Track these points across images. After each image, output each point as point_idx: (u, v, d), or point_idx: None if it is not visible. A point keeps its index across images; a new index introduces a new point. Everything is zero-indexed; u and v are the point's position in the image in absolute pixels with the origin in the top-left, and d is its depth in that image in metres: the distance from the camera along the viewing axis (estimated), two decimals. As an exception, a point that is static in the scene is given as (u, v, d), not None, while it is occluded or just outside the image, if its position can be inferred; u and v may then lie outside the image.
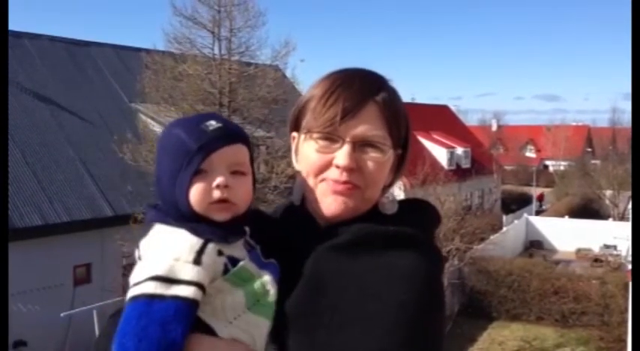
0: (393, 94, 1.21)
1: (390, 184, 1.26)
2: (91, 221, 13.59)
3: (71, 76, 17.28)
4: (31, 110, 15.07)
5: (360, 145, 1.15)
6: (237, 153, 1.13)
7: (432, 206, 1.28)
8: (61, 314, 10.59)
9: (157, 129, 14.91)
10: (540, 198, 39.48)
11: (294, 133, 1.25)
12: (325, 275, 1.10)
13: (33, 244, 12.19)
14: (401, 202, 1.26)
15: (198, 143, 1.08)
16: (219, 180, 1.09)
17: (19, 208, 12.48)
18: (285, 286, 1.11)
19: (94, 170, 14.69)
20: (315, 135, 1.16)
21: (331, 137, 1.15)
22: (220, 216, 1.10)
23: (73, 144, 15.10)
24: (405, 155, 1.25)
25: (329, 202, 1.16)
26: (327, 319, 1.06)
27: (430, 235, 1.22)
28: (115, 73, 18.56)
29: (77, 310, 10.89)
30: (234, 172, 1.12)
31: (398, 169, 1.25)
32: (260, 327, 1.07)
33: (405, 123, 1.23)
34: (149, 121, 15.80)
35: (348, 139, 1.14)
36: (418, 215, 1.23)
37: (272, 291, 1.10)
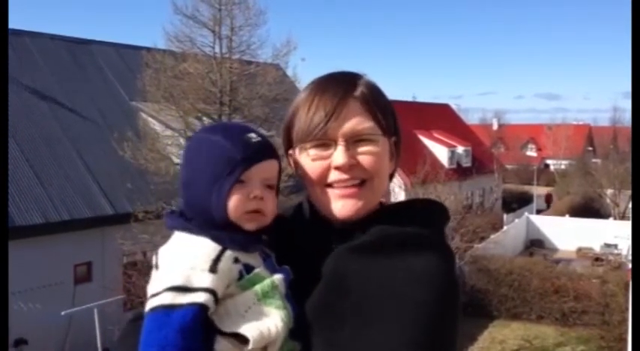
0: (370, 87, 1.24)
1: (392, 173, 1.30)
2: (91, 219, 13.60)
3: (72, 74, 17.28)
4: (31, 108, 15.07)
5: (353, 141, 1.18)
6: (272, 168, 1.19)
7: (441, 205, 1.31)
8: (62, 313, 10.58)
9: (158, 127, 14.90)
10: (548, 199, 39.05)
11: (290, 151, 1.27)
12: (347, 276, 1.12)
13: (34, 242, 12.20)
14: (413, 201, 1.30)
15: (243, 154, 1.13)
16: (256, 191, 1.14)
17: (20, 206, 12.49)
18: (305, 287, 1.14)
19: (94, 168, 14.70)
20: (307, 145, 1.20)
21: (323, 143, 1.18)
22: (251, 225, 1.15)
23: (73, 142, 15.10)
24: (399, 142, 1.28)
25: (340, 207, 1.19)
26: (350, 318, 1.08)
27: (442, 234, 1.25)
28: (116, 71, 18.55)
29: (78, 308, 10.88)
30: (267, 186, 1.18)
31: (396, 156, 1.28)
32: (272, 316, 1.09)
33: (390, 111, 1.25)
34: (149, 119, 15.79)
35: (339, 140, 1.17)
36: (430, 215, 1.26)
37: (281, 286, 1.13)
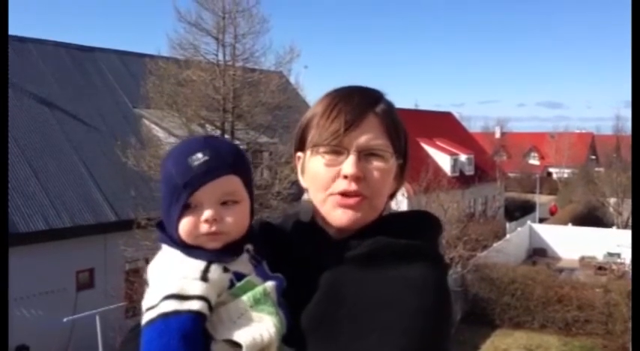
0: (390, 106, 1.28)
1: (394, 193, 1.32)
2: (94, 226, 13.62)
3: (75, 81, 17.36)
4: (35, 115, 15.13)
5: (365, 154, 1.20)
6: (224, 185, 1.13)
7: (434, 217, 1.33)
8: (64, 319, 10.57)
9: (161, 134, 14.95)
10: (554, 211, 38.70)
11: (299, 153, 1.29)
12: (343, 287, 1.15)
13: (36, 248, 12.21)
14: (406, 213, 1.33)
15: (183, 180, 1.10)
16: (206, 214, 1.12)
17: (23, 213, 12.51)
18: (301, 298, 1.16)
19: (97, 175, 14.73)
20: (321, 149, 1.21)
21: (336, 150, 1.20)
22: (211, 245, 1.14)
23: (76, 149, 15.14)
24: (405, 165, 1.31)
25: (338, 215, 1.20)
26: (346, 329, 1.10)
27: (435, 244, 1.27)
28: (119, 78, 18.63)
29: (80, 315, 10.87)
30: (226, 202, 1.14)
31: (400, 178, 1.30)
32: (264, 322, 1.10)
33: (403, 133, 1.29)
34: (153, 126, 15.85)
35: (352, 150, 1.19)
36: (423, 226, 1.28)
37: (273, 294, 1.14)
